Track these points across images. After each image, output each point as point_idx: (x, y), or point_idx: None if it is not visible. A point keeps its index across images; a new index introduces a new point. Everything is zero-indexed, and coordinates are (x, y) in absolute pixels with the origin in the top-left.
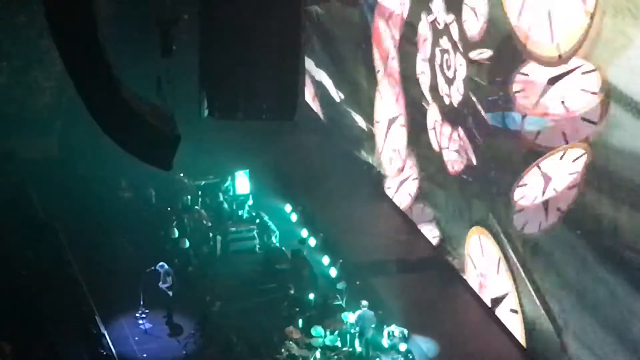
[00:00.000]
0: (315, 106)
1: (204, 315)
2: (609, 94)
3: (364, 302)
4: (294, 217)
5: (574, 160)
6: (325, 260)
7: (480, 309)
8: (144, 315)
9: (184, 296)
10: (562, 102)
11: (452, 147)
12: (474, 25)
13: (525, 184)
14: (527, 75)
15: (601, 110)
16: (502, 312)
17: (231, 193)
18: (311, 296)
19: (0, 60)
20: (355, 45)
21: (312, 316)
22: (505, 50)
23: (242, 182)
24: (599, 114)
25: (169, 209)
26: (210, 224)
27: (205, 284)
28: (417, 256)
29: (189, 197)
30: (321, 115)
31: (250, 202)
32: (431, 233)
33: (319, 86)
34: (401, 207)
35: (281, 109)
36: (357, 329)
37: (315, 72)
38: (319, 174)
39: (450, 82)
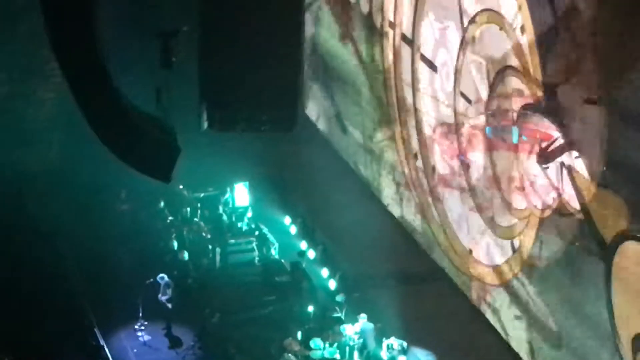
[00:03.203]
0: (314, 118)
1: (203, 327)
2: None
3: (362, 315)
4: (293, 230)
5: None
6: (325, 272)
7: (480, 322)
8: (143, 327)
9: (183, 308)
10: None
11: (448, 160)
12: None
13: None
14: None
15: None
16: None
17: (230, 205)
18: (310, 308)
19: None
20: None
21: (311, 328)
22: None
23: (241, 194)
24: None
25: (169, 219)
26: (209, 236)
27: (204, 296)
28: (417, 269)
29: (189, 209)
30: (320, 127)
31: (249, 214)
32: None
33: (317, 98)
34: (400, 220)
35: (281, 121)
36: (360, 341)
37: (314, 84)
38: (318, 186)
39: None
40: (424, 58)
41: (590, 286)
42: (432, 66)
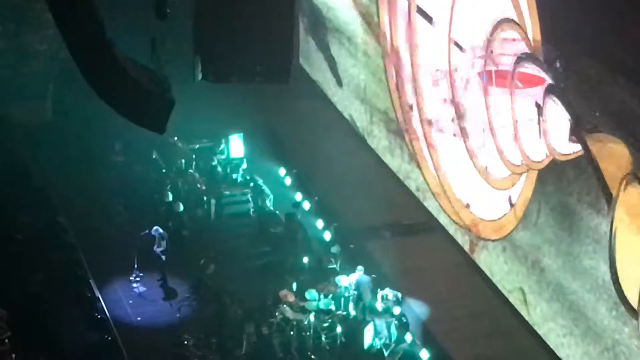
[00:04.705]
0: (308, 69)
1: (198, 278)
2: None
3: (360, 267)
4: (288, 181)
5: None
6: (320, 223)
7: (474, 273)
8: (138, 279)
9: (178, 259)
10: None
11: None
12: None
13: None
14: None
15: None
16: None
17: (225, 156)
18: (305, 260)
19: None
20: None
21: (306, 280)
22: None
23: (236, 146)
24: None
25: (164, 170)
26: (204, 188)
27: (199, 248)
28: (412, 220)
29: (183, 160)
30: (315, 79)
31: (244, 165)
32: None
33: (313, 49)
34: (395, 170)
35: (275, 72)
36: (355, 293)
37: (309, 35)
38: (313, 137)
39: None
40: (419, 10)
41: (588, 239)
42: (427, 17)
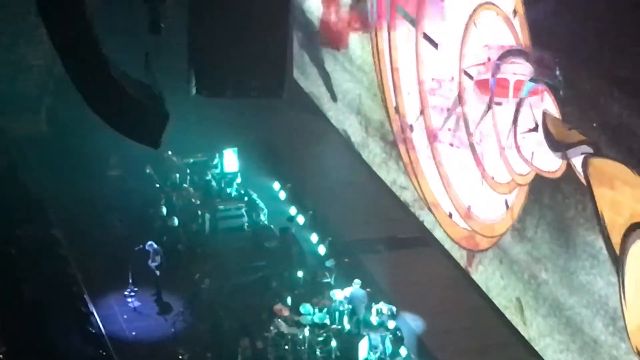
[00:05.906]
0: (303, 84)
1: (192, 293)
2: None
3: (357, 281)
4: (282, 195)
5: None
6: (314, 238)
7: (468, 286)
8: (132, 294)
9: (173, 274)
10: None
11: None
12: None
13: None
14: None
15: None
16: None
17: (219, 171)
18: (300, 274)
19: None
20: None
21: (301, 294)
22: None
23: (230, 160)
24: None
25: (157, 185)
26: (198, 202)
27: (194, 262)
28: (406, 234)
29: (178, 175)
30: (309, 94)
31: (238, 180)
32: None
33: (307, 64)
34: (389, 182)
35: (270, 87)
36: (349, 307)
37: (304, 50)
38: (307, 151)
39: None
40: (405, 18)
41: (585, 255)
42: (411, 21)
